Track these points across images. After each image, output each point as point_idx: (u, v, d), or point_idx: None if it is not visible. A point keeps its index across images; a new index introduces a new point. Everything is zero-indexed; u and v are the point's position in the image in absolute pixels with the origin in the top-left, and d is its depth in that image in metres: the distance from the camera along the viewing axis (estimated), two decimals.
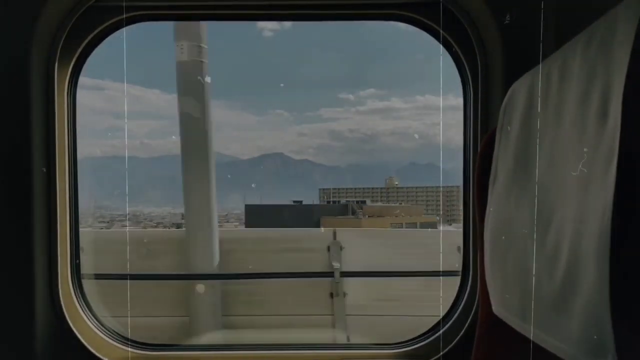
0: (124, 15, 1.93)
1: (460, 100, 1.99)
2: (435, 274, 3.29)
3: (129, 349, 2.01)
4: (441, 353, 1.94)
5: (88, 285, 2.05)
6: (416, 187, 8.50)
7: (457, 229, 2.39)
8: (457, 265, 2.02)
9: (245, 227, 6.43)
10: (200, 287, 4.03)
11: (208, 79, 4.16)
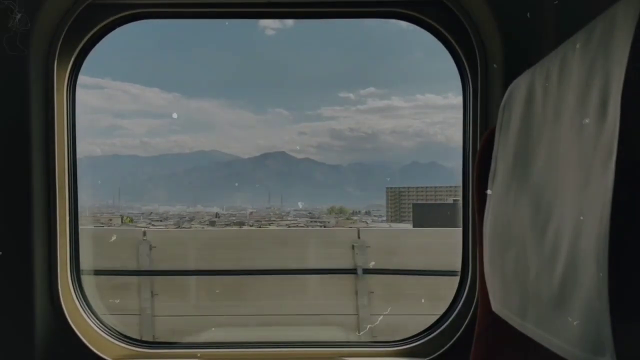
0: (123, 13, 1.93)
1: (460, 99, 1.99)
2: None
3: (128, 347, 2.01)
4: (440, 351, 1.94)
5: None
6: None
7: None
8: None
9: (413, 226, 6.30)
10: None
11: None
